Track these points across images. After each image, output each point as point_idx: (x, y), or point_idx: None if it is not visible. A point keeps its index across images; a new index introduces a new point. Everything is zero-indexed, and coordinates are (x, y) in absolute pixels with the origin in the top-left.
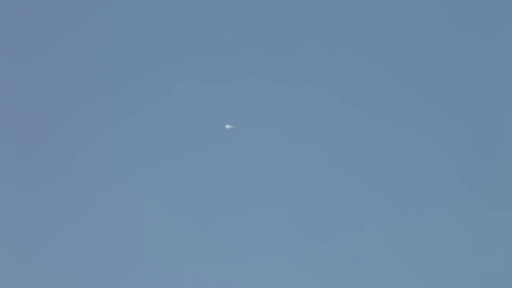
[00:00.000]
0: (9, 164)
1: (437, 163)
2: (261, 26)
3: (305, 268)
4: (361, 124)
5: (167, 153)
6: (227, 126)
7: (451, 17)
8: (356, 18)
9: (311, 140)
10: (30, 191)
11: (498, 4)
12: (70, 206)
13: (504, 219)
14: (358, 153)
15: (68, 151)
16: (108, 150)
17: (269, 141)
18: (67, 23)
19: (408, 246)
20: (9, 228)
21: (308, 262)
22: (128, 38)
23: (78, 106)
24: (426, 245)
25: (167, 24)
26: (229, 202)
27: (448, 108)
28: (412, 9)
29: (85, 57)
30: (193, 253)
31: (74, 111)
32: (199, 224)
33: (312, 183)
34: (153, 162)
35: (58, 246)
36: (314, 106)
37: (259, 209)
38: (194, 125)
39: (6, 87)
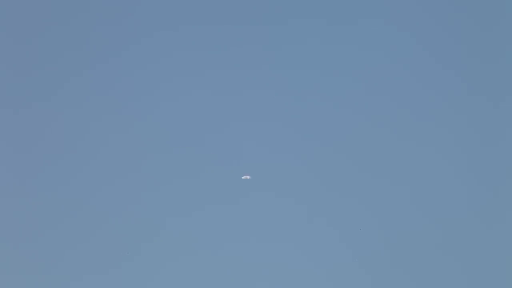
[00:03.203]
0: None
1: (437, 164)
2: (265, 20)
3: (305, 267)
4: (364, 124)
5: (165, 151)
6: (244, 177)
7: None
8: (363, 13)
9: (313, 137)
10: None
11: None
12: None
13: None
14: (359, 152)
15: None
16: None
17: (270, 135)
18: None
19: (407, 246)
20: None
21: (308, 262)
22: (130, 34)
23: (74, 105)
24: (425, 246)
25: (168, 19)
26: (229, 196)
27: (451, 110)
28: (418, 6)
29: (87, 54)
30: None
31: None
32: (199, 226)
33: (312, 183)
34: (151, 163)
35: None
36: (317, 104)
37: (258, 209)
38: (194, 119)
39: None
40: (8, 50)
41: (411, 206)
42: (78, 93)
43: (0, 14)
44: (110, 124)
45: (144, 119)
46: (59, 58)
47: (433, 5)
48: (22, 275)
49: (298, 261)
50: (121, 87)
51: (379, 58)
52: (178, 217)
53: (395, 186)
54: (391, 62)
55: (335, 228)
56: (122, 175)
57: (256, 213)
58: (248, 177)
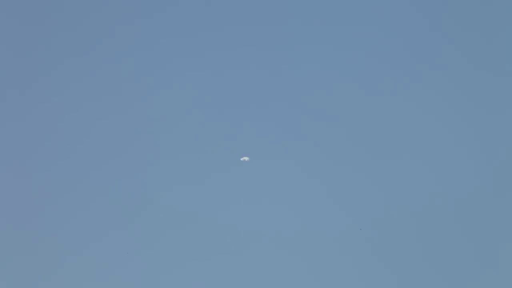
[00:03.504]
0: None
1: (437, 165)
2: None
3: (305, 267)
4: (363, 123)
5: (166, 154)
6: (242, 159)
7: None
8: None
9: (312, 138)
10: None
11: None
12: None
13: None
14: (359, 152)
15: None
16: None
17: (270, 139)
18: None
19: (407, 246)
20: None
21: (309, 262)
22: (128, 39)
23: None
24: (425, 245)
25: (165, 25)
26: (232, 198)
27: (448, 108)
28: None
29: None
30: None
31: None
32: (200, 221)
33: (313, 184)
34: (153, 162)
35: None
36: (315, 104)
37: (261, 209)
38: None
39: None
40: None
41: (414, 176)
42: (73, 74)
43: None
44: (109, 106)
45: (144, 100)
46: (58, 36)
47: None
48: (21, 253)
49: (299, 230)
50: (119, 68)
51: (386, 35)
52: (179, 186)
53: (397, 157)
54: (400, 42)
55: (336, 197)
56: (126, 151)
57: (259, 191)
58: (246, 158)
